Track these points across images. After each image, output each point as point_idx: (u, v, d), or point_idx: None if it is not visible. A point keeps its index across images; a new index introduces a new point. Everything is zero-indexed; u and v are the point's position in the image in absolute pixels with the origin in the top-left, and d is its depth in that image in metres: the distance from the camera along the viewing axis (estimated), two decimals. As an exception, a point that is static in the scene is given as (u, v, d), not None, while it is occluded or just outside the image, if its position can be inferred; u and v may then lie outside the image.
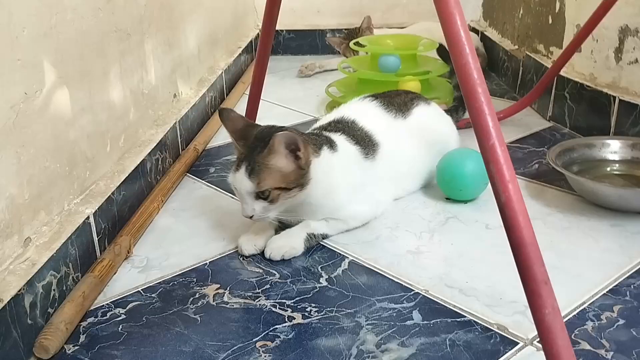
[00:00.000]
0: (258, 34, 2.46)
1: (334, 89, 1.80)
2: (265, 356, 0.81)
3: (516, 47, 1.97)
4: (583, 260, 1.00)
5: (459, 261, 1.02)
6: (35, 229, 0.88)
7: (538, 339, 0.81)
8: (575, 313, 0.88)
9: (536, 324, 0.55)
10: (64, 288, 0.89)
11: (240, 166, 0.99)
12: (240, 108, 1.82)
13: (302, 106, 1.85)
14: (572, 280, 0.95)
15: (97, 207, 1.00)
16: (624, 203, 1.12)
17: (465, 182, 1.17)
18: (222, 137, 1.60)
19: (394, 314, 0.88)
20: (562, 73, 1.55)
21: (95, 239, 1.00)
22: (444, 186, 1.21)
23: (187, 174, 1.38)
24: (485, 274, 0.98)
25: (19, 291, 0.78)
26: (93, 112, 1.06)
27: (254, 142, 1.00)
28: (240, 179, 0.98)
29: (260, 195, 0.98)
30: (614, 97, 1.39)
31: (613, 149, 1.27)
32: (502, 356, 0.79)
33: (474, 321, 0.86)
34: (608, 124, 1.41)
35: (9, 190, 0.81)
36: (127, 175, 1.12)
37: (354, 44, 1.80)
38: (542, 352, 0.79)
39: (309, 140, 1.04)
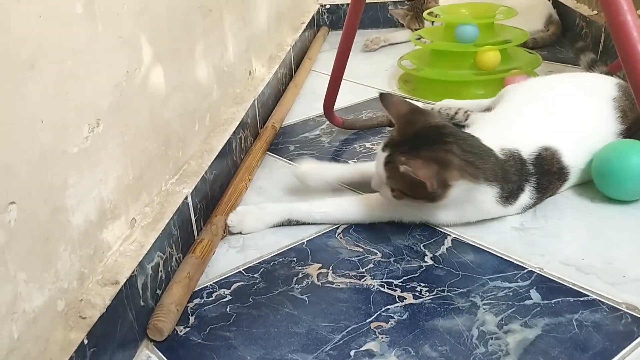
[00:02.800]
0: (319, 9, 2.42)
1: (407, 62, 1.75)
2: (382, 337, 0.78)
3: (595, 12, 1.88)
4: None
5: (569, 237, 0.97)
6: (138, 209, 0.87)
7: (674, 319, 0.77)
8: None
9: None
10: (169, 269, 0.88)
11: (385, 149, 0.96)
12: (309, 85, 1.79)
13: (372, 81, 1.80)
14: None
15: (193, 187, 0.98)
16: None
17: (635, 179, 1.01)
18: (295, 114, 1.57)
19: (510, 293, 0.84)
20: (654, 37, 1.46)
21: (193, 219, 0.98)
22: (602, 181, 1.05)
23: (268, 152, 1.35)
24: (601, 250, 0.93)
25: (132, 273, 0.76)
26: (183, 90, 1.04)
27: (410, 136, 0.95)
28: (379, 160, 0.97)
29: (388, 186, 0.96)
30: None
31: None
32: (637, 338, 0.75)
33: (599, 300, 0.82)
34: None
35: (116, 171, 0.80)
36: (216, 154, 1.10)
37: (428, 14, 1.74)
38: (680, 333, 0.74)
39: (467, 164, 0.92)
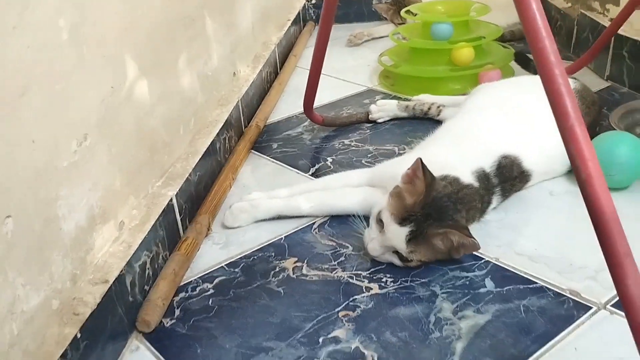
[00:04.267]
0: (305, 4, 2.48)
1: (386, 59, 1.82)
2: (348, 325, 0.86)
3: (569, 5, 1.94)
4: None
5: (526, 229, 1.05)
6: (126, 213, 0.95)
7: (611, 304, 0.85)
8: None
9: (620, 295, 0.58)
10: (156, 266, 0.96)
11: (404, 224, 0.92)
12: (294, 82, 1.86)
13: (354, 76, 1.87)
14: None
15: (178, 189, 1.06)
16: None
17: (620, 168, 1.08)
18: (280, 112, 1.64)
19: (467, 282, 0.92)
20: (620, 32, 1.53)
21: (178, 218, 1.06)
22: None
23: (252, 150, 1.43)
24: (553, 240, 1.01)
25: (120, 272, 0.84)
26: (167, 99, 1.11)
27: (430, 207, 0.92)
28: (397, 236, 0.93)
29: (402, 256, 0.95)
30: (676, 56, 1.38)
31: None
32: (576, 321, 0.83)
33: (546, 287, 0.90)
34: (670, 83, 1.40)
35: (104, 180, 0.88)
36: (200, 156, 1.18)
37: (405, 12, 1.81)
38: (615, 316, 0.83)
39: (470, 222, 1.00)
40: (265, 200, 1.14)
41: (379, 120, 1.53)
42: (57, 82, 0.76)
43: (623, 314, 0.82)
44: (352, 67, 1.96)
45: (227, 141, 1.36)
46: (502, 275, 0.93)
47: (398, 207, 0.94)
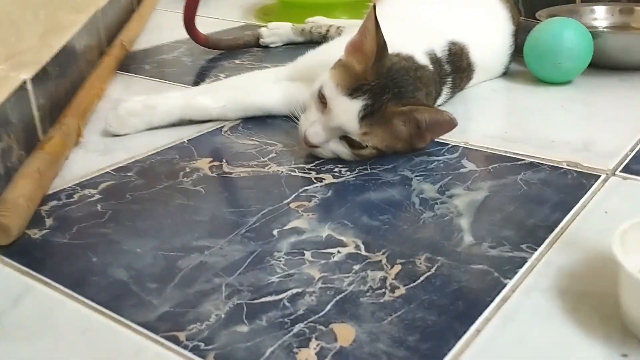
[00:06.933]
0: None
1: (264, -9, 1.60)
2: (307, 215, 0.62)
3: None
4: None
5: (483, 118, 0.89)
6: (-41, 84, 0.63)
7: (619, 170, 0.70)
8: (639, 146, 0.77)
9: None
10: (9, 164, 0.65)
11: (356, 96, 0.70)
12: (156, 21, 1.57)
13: (226, 14, 1.63)
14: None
15: (32, 75, 0.75)
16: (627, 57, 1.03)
17: (569, 54, 0.96)
18: (145, 43, 1.35)
19: (441, 165, 0.73)
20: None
21: (36, 114, 0.75)
22: (538, 64, 0.99)
23: (120, 72, 1.13)
24: (519, 125, 0.86)
25: (-43, 147, 0.54)
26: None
27: (386, 77, 0.72)
28: (347, 111, 0.70)
29: (352, 142, 0.73)
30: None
31: (599, 15, 1.18)
32: (590, 188, 0.66)
33: (538, 162, 0.73)
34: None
35: None
36: (56, 51, 0.88)
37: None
38: (630, 181, 0.68)
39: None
40: (164, 99, 0.86)
41: (272, 46, 1.30)
42: None
43: (636, 177, 0.69)
44: (220, 7, 1.71)
45: (87, 50, 1.05)
46: (480, 156, 0.75)
47: (346, 77, 0.72)
